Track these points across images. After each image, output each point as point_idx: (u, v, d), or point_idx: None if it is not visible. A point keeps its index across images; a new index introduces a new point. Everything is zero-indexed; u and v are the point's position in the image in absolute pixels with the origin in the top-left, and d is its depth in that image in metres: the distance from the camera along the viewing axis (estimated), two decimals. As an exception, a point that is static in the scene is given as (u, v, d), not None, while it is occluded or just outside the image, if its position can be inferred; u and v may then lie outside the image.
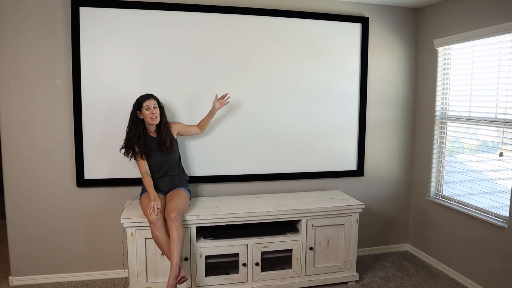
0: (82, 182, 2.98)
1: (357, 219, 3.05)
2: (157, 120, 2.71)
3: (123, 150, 2.71)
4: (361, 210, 3.06)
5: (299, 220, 2.94)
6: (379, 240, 3.73)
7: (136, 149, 2.68)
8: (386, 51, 3.51)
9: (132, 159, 2.74)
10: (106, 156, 2.99)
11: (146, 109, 2.66)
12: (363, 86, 3.45)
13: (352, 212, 3.03)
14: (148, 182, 2.66)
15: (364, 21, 3.38)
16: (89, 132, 2.94)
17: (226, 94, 2.94)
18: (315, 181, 3.47)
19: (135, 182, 2.99)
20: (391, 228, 3.75)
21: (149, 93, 2.75)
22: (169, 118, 2.90)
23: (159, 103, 2.75)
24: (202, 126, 2.98)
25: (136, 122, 2.68)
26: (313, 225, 2.95)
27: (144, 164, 2.71)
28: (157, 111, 2.70)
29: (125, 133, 2.73)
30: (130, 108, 2.74)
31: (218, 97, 2.92)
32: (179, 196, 2.72)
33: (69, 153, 2.96)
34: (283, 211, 2.87)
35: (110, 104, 2.95)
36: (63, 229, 3.03)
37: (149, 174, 2.71)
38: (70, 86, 2.89)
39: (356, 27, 3.39)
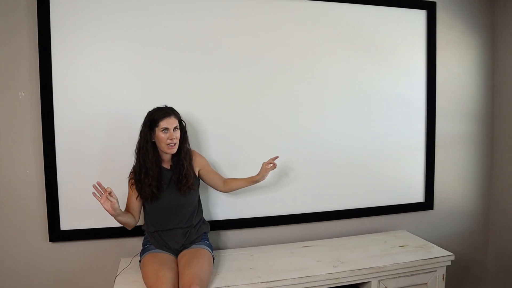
0: (57, 235, 2.10)
1: (443, 275, 2.20)
2: (175, 150, 1.88)
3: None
4: (449, 263, 2.21)
5: (368, 282, 2.08)
6: (452, 289, 2.88)
7: (135, 187, 1.89)
8: (457, 46, 2.70)
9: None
10: (91, 197, 2.08)
11: (163, 132, 1.82)
12: (431, 91, 2.62)
13: (438, 266, 2.18)
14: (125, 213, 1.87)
15: (430, 7, 2.58)
16: (65, 164, 2.07)
17: (276, 157, 2.07)
18: (372, 219, 2.61)
19: (133, 231, 2.10)
20: (465, 273, 2.89)
21: (166, 105, 1.93)
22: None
23: (180, 122, 1.93)
24: (230, 186, 2.11)
25: (146, 147, 1.84)
26: (386, 288, 2.10)
27: (136, 204, 1.92)
28: (178, 135, 1.88)
29: (118, 162, 2.06)
30: (125, 127, 2.03)
31: (269, 164, 2.05)
32: (199, 259, 1.83)
33: (37, 195, 2.08)
34: (347, 272, 2.00)
35: (96, 123, 2.09)
36: (31, 302, 2.13)
37: (135, 216, 1.93)
38: (37, 99, 2.03)
39: (420, 14, 2.58)
